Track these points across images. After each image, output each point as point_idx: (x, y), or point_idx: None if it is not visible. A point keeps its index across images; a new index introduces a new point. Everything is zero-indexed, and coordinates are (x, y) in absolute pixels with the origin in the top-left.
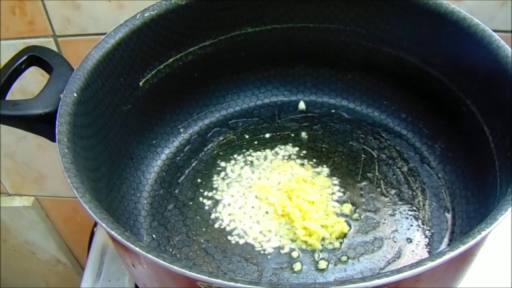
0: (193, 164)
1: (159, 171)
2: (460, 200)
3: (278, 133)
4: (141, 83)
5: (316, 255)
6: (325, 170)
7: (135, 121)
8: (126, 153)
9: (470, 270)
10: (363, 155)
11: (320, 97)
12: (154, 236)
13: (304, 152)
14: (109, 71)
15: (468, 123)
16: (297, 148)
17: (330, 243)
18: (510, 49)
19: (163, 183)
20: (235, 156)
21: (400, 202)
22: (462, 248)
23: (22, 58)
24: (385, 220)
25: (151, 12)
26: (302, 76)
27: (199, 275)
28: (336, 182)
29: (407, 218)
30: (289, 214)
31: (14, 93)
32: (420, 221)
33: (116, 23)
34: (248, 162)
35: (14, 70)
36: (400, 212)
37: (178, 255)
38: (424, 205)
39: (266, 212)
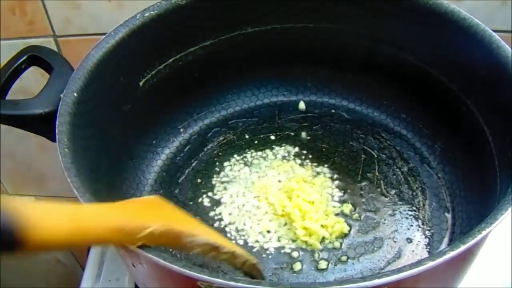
0: (193, 164)
1: (159, 171)
2: (460, 200)
3: (278, 133)
4: (141, 83)
5: (316, 255)
6: (325, 170)
7: (135, 121)
8: (126, 153)
9: (470, 270)
10: (363, 155)
11: (320, 97)
12: None
13: (304, 152)
14: (109, 71)
15: (468, 123)
16: (297, 148)
17: (330, 243)
18: (510, 49)
19: (163, 183)
20: (235, 156)
21: (400, 202)
22: (462, 248)
23: (22, 58)
24: (385, 220)
25: (151, 12)
26: (302, 76)
27: (199, 275)
28: (336, 182)
29: (407, 218)
30: (289, 214)
31: (15, 93)
32: (420, 221)
33: (116, 23)
34: (248, 162)
35: (14, 70)
36: (400, 212)
37: (178, 255)
38: (424, 205)
39: (266, 212)
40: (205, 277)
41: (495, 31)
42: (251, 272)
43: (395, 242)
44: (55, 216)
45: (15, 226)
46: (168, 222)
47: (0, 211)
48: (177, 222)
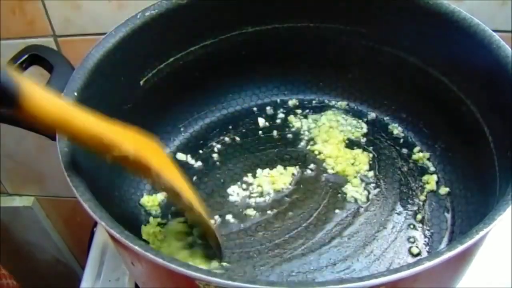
0: (193, 164)
1: None
2: (460, 200)
3: (278, 133)
4: (141, 82)
5: None
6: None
7: (135, 120)
8: None
9: (470, 270)
10: None
11: (321, 96)
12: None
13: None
14: (110, 70)
15: (468, 123)
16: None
17: None
18: (510, 49)
19: None
20: (235, 155)
21: (400, 202)
22: (460, 248)
23: (23, 57)
24: (385, 220)
25: (152, 12)
26: (302, 76)
27: (197, 274)
28: None
29: (407, 218)
30: None
31: None
32: (420, 221)
33: (116, 23)
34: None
35: (15, 69)
36: (400, 212)
37: None
38: (424, 205)
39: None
40: (203, 276)
41: (495, 31)
42: (206, 235)
43: (395, 242)
44: (49, 101)
45: (17, 91)
46: (144, 154)
47: (7, 75)
48: (152, 158)
